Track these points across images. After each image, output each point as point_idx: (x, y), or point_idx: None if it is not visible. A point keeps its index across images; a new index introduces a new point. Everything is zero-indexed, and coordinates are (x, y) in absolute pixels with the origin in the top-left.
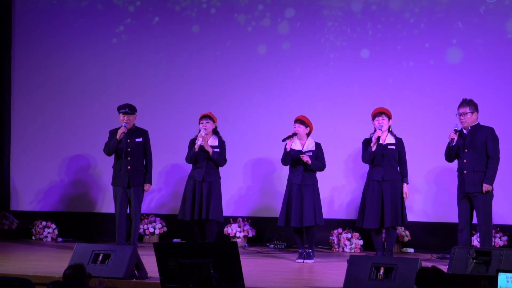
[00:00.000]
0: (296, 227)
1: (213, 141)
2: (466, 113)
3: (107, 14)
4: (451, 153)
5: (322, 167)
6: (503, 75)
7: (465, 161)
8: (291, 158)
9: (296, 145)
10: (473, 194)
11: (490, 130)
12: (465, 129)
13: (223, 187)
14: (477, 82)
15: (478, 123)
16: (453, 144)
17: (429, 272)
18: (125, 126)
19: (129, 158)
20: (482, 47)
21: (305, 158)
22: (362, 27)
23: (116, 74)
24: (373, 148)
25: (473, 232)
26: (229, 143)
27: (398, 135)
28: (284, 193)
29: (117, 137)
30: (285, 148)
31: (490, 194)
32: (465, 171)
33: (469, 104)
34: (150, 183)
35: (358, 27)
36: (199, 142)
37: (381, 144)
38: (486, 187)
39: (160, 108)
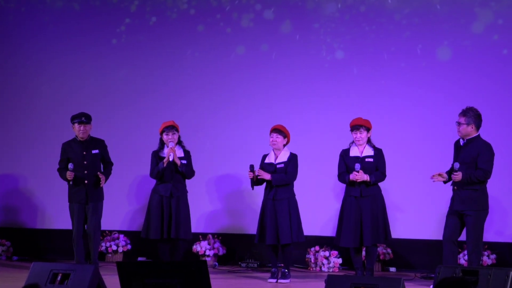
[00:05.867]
0: (271, 244)
1: (178, 152)
2: (461, 123)
3: (63, 18)
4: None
5: (287, 180)
6: (496, 79)
7: None
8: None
9: (270, 157)
10: (463, 212)
11: (486, 144)
12: (462, 139)
13: (191, 202)
14: (463, 86)
15: (476, 136)
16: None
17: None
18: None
19: (86, 171)
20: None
21: (266, 176)
22: (343, 30)
23: (69, 81)
24: (349, 179)
25: (459, 250)
26: (198, 155)
27: (380, 146)
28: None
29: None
30: (252, 179)
31: (483, 212)
32: (455, 187)
33: (465, 114)
34: (106, 177)
35: (341, 30)
36: (171, 157)
37: (358, 156)
38: (456, 177)
39: (122, 117)
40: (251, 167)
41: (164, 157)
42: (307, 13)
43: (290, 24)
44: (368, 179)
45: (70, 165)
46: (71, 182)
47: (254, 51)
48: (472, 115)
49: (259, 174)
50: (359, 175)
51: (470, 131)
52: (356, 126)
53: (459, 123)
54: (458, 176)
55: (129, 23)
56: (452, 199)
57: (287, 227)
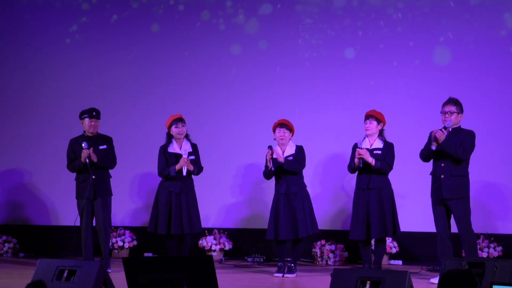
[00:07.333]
0: (284, 239)
1: (186, 146)
2: (453, 112)
3: (61, 12)
4: (430, 154)
5: (298, 167)
6: (495, 75)
7: (442, 165)
8: (271, 168)
9: (276, 151)
10: (451, 200)
11: (471, 133)
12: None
13: (197, 197)
14: (466, 83)
15: (460, 126)
16: (434, 148)
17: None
18: (86, 149)
19: (93, 167)
20: (473, 45)
21: (280, 158)
22: (342, 24)
23: (72, 77)
24: (355, 162)
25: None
26: (203, 148)
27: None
28: (271, 203)
29: (82, 160)
30: (266, 165)
31: (467, 198)
32: (442, 176)
33: (456, 103)
34: (99, 160)
35: (338, 24)
36: (184, 171)
37: (367, 148)
38: (441, 133)
39: (128, 113)
40: (270, 148)
41: (172, 153)
42: (298, 7)
43: (285, 20)
44: (373, 162)
45: (84, 144)
46: (87, 160)
47: (253, 49)
48: (460, 104)
49: (273, 153)
50: (363, 151)
51: (459, 119)
52: (367, 116)
53: (450, 112)
54: (444, 134)
55: (129, 20)
56: (438, 188)
57: (303, 221)
